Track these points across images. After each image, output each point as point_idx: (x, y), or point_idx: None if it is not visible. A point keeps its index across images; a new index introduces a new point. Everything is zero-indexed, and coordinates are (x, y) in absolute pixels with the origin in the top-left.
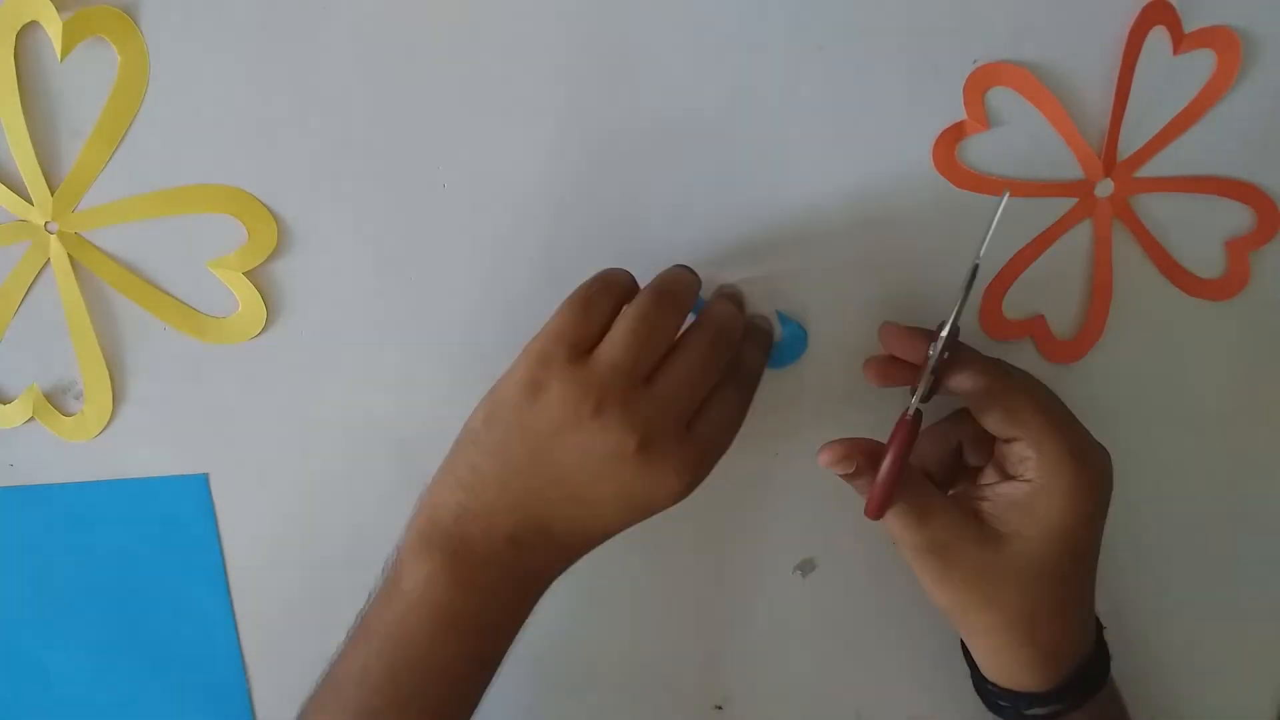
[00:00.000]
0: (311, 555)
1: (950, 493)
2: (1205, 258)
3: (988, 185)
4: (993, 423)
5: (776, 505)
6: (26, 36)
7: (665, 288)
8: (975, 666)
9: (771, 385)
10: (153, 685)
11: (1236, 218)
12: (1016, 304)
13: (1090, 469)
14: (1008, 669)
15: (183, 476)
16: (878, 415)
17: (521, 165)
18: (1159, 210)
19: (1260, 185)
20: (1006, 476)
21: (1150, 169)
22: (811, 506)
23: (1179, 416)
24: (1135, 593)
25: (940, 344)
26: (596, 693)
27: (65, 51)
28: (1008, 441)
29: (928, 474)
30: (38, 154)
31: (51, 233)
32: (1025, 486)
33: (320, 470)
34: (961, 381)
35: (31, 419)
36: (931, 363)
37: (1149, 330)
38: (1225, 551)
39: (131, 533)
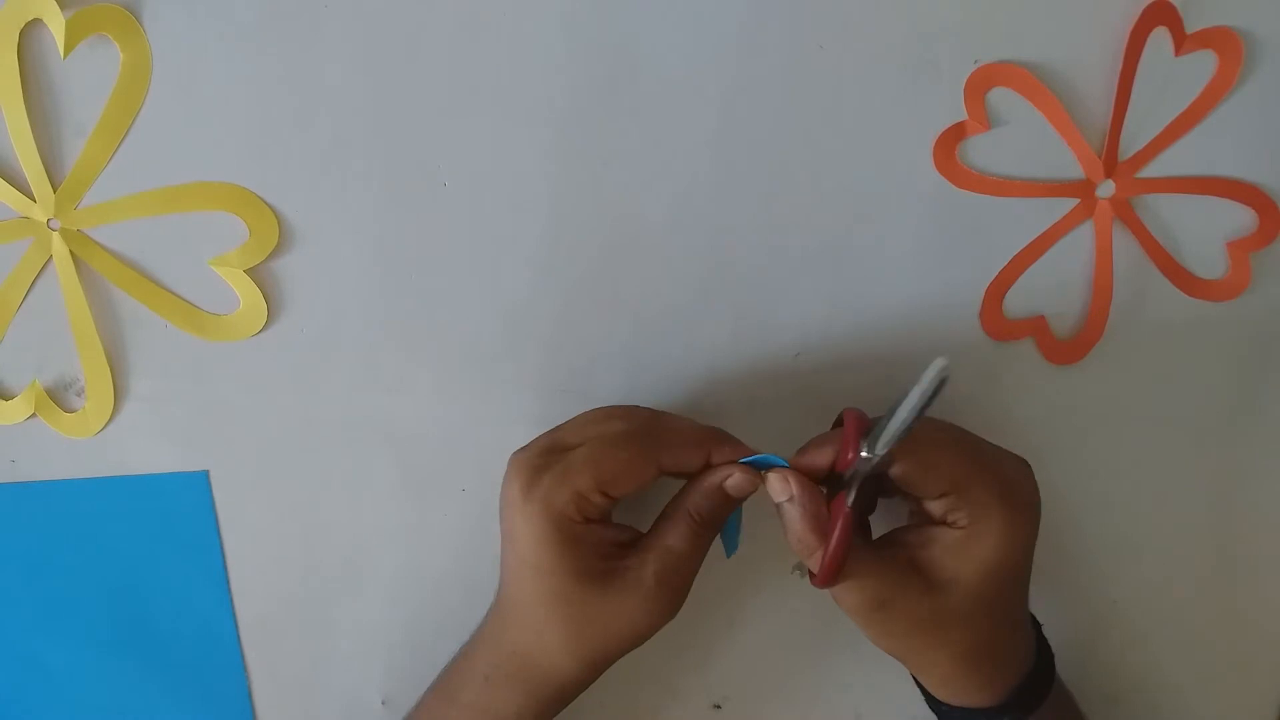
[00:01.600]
0: (311, 554)
1: (879, 538)
2: (1206, 259)
3: (988, 185)
4: (917, 484)
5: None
6: (29, 34)
7: (613, 408)
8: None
9: (770, 386)
10: (152, 683)
11: (1238, 219)
12: (1017, 304)
13: (1018, 503)
14: (958, 693)
15: (183, 474)
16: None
17: (521, 165)
18: (1160, 211)
19: (1261, 186)
20: (935, 521)
21: (1151, 170)
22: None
23: (1179, 417)
24: (1135, 592)
25: (866, 461)
26: (595, 692)
27: (68, 49)
28: (937, 497)
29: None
30: (40, 151)
31: (54, 230)
32: (959, 533)
33: (320, 469)
34: (889, 470)
35: (33, 415)
36: (856, 470)
37: (1149, 331)
38: (1225, 551)
39: (132, 530)
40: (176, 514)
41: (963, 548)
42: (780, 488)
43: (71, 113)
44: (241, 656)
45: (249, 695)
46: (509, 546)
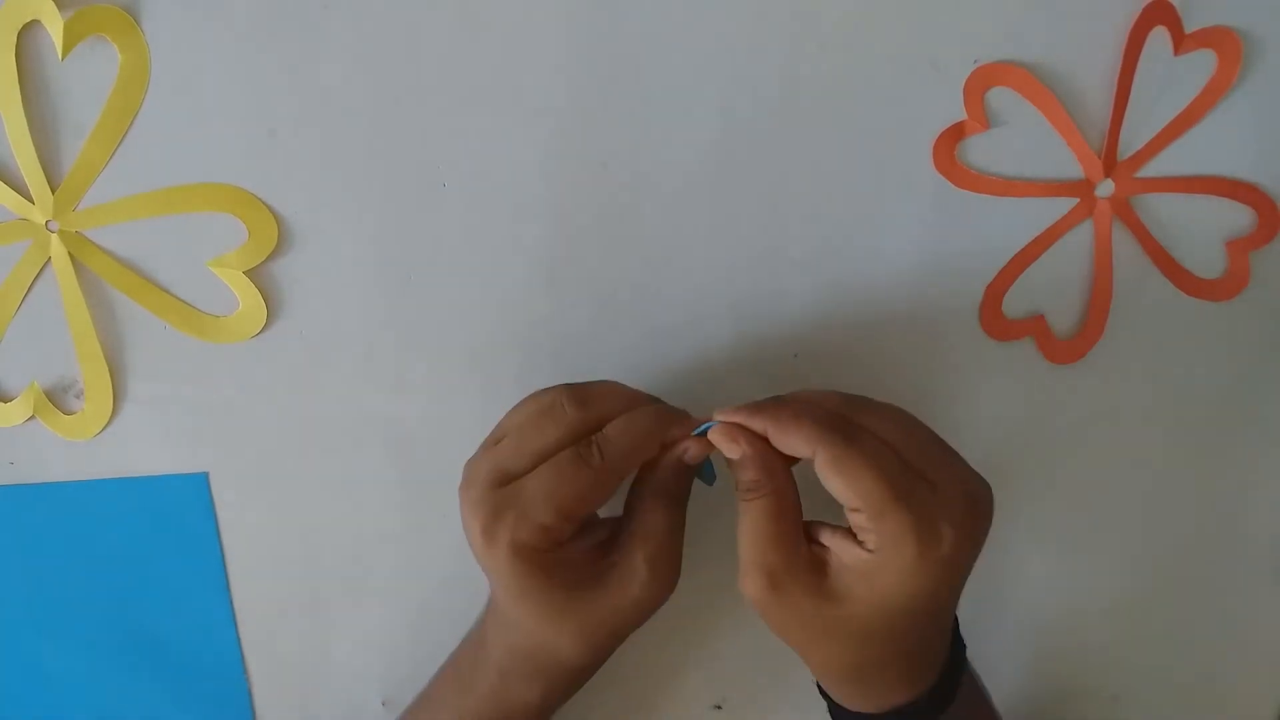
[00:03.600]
0: (311, 554)
1: (811, 522)
2: (1205, 258)
3: (987, 185)
4: (834, 490)
5: None
6: (28, 35)
7: (543, 408)
8: None
9: (770, 387)
10: (152, 684)
11: (1237, 218)
12: (1016, 304)
13: (934, 548)
14: (838, 695)
15: (183, 475)
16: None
17: (521, 165)
18: (1159, 210)
19: (1261, 185)
20: (853, 536)
21: (1151, 169)
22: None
23: (1179, 417)
24: (1135, 592)
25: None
26: (595, 692)
27: (66, 50)
28: (852, 509)
29: None
30: (39, 153)
31: (52, 231)
32: (866, 556)
33: (320, 470)
34: (794, 448)
35: (32, 417)
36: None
37: (1149, 330)
38: (1225, 552)
39: (131, 531)
40: (176, 515)
41: (865, 571)
42: (730, 445)
43: (70, 114)
44: (241, 657)
45: (249, 695)
46: (489, 578)
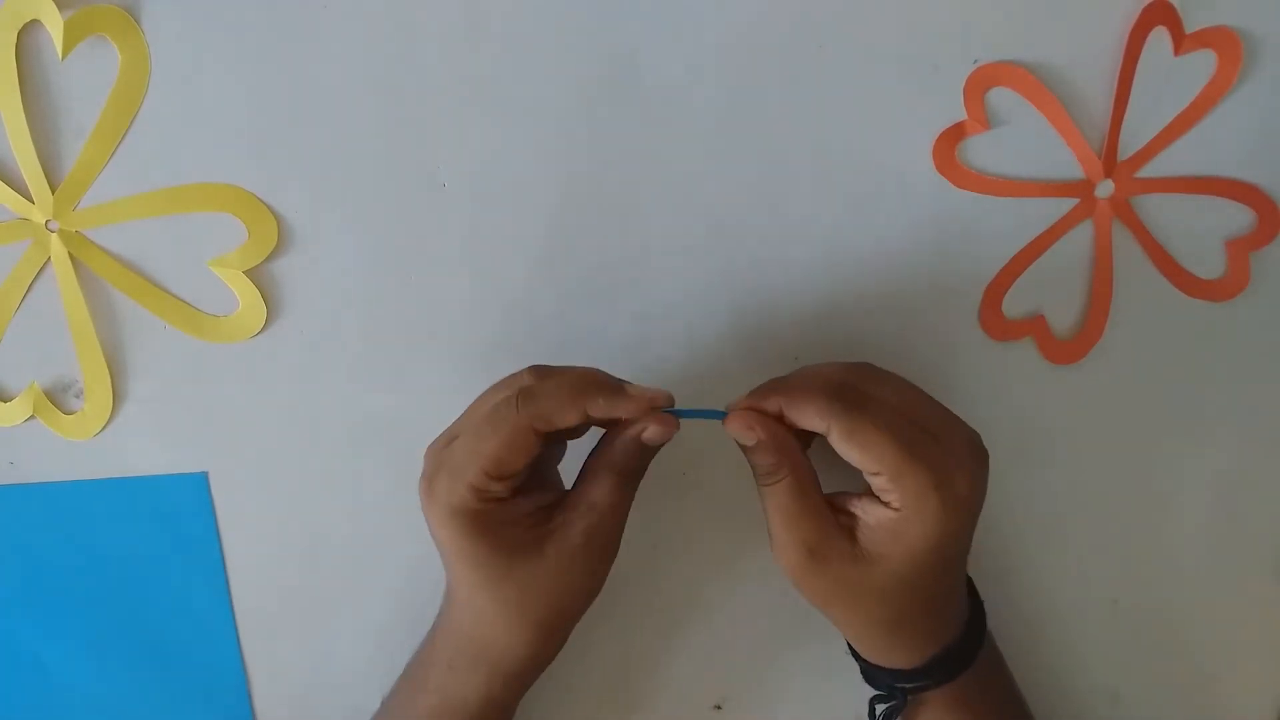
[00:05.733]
0: (311, 555)
1: (827, 494)
2: (1205, 258)
3: (987, 185)
4: (852, 458)
5: None
6: (28, 35)
7: (508, 378)
8: None
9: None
10: (152, 684)
11: (1237, 218)
12: (1016, 304)
13: (952, 494)
14: (875, 655)
15: (182, 475)
16: None
17: (521, 165)
18: (1159, 211)
19: (1261, 186)
20: (874, 498)
21: (1151, 169)
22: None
23: (1179, 417)
24: (1135, 592)
25: None
26: (595, 692)
27: (66, 50)
28: (871, 474)
29: None
30: (39, 152)
31: (52, 231)
32: (892, 514)
33: (320, 470)
34: (808, 423)
35: (32, 417)
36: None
37: (1149, 330)
38: (1224, 552)
39: (131, 531)
40: (176, 515)
41: (893, 529)
42: (746, 432)
43: (70, 114)
44: (241, 657)
45: (249, 695)
46: (436, 543)
